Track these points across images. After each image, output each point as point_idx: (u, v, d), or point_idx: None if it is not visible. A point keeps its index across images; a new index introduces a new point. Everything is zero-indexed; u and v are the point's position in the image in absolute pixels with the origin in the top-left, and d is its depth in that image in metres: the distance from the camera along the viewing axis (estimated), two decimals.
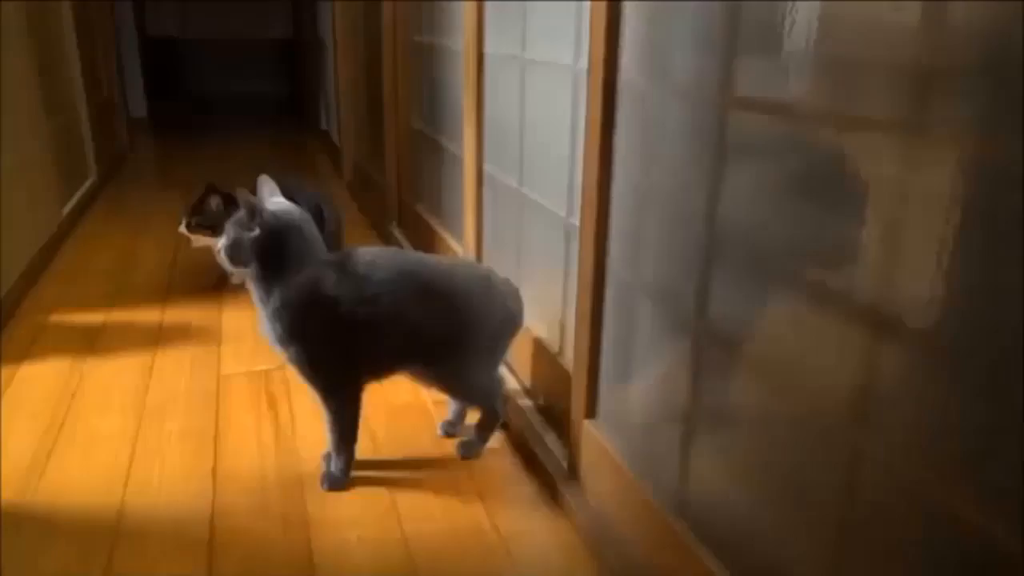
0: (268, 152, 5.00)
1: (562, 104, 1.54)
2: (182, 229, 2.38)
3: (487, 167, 2.02)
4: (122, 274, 2.70)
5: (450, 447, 1.63)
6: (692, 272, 1.08)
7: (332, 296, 1.40)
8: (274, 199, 1.47)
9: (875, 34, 0.76)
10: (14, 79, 2.61)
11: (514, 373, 1.85)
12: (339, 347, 1.44)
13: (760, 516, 1.00)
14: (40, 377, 1.94)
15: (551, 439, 1.59)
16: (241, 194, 1.39)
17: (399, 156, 2.96)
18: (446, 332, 1.49)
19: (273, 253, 1.40)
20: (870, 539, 0.80)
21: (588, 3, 1.28)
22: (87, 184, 3.71)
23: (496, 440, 1.64)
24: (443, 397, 1.86)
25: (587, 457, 1.41)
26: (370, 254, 1.47)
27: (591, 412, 1.41)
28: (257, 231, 1.39)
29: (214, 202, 2.34)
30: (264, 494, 1.49)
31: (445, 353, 1.51)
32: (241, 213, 1.39)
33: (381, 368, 1.52)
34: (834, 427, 0.84)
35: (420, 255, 1.72)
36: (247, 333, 2.18)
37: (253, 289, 1.44)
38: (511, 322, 1.59)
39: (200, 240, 2.39)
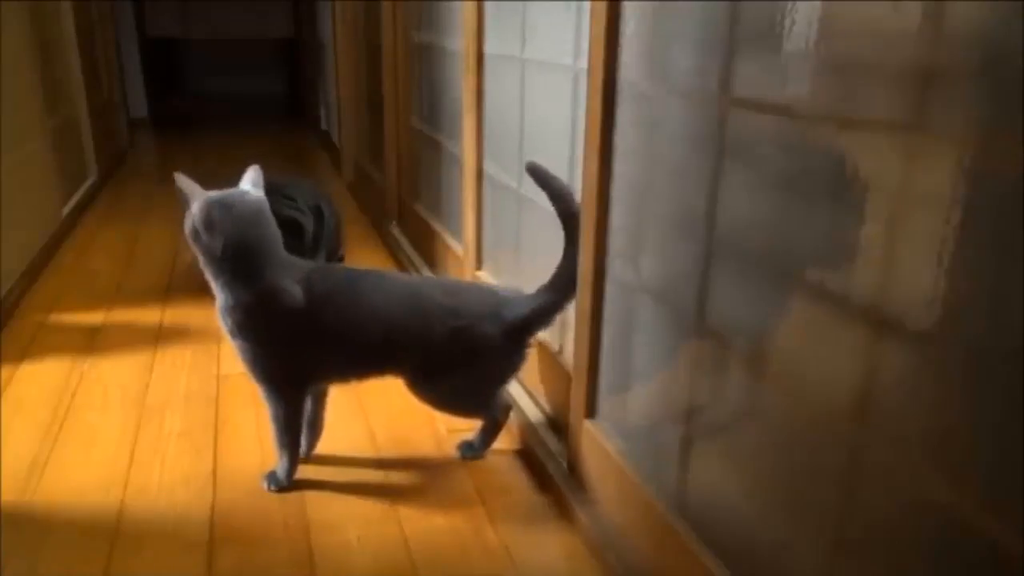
0: (268, 152, 4.99)
1: (562, 104, 1.54)
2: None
3: (487, 166, 2.02)
4: (122, 274, 2.70)
5: (450, 448, 1.63)
6: (692, 271, 1.08)
7: (280, 310, 1.38)
8: (242, 188, 1.42)
9: (875, 34, 0.76)
10: (14, 79, 2.61)
11: None
12: (282, 357, 1.43)
13: (762, 517, 1.00)
14: (40, 377, 1.94)
15: (551, 439, 1.58)
16: (178, 178, 1.33)
17: (399, 156, 2.96)
18: (409, 360, 1.48)
19: (206, 245, 1.35)
20: (872, 540, 0.80)
21: (588, 3, 1.28)
22: (87, 184, 3.71)
23: (496, 440, 1.64)
24: None
25: (587, 457, 1.41)
26: (337, 276, 1.46)
27: (591, 412, 1.41)
28: (188, 220, 1.35)
29: None
30: (264, 494, 1.48)
31: (417, 376, 1.51)
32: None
33: (341, 377, 1.53)
34: (836, 427, 0.84)
35: (418, 285, 1.64)
36: None
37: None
38: (482, 354, 1.50)
39: None
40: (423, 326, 1.46)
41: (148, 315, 2.33)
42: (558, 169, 1.57)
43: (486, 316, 1.49)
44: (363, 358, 1.48)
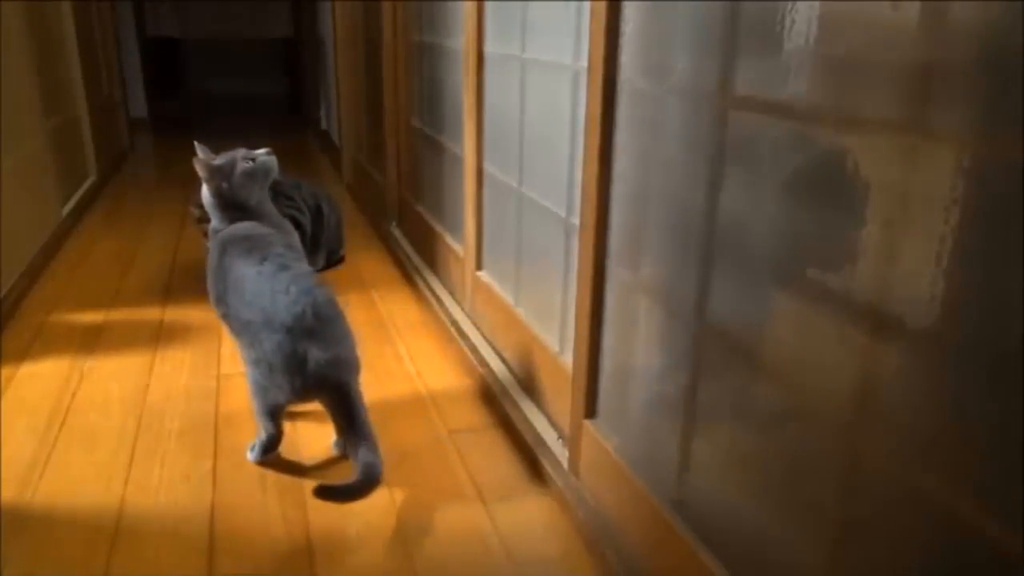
0: None
1: (562, 103, 1.54)
2: None
3: (487, 166, 2.02)
4: (122, 274, 2.70)
5: (450, 447, 1.63)
6: (692, 271, 1.08)
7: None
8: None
9: (875, 33, 0.76)
10: (14, 79, 2.61)
11: (513, 373, 1.85)
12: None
13: (760, 515, 1.00)
14: (40, 377, 1.94)
15: (551, 439, 1.59)
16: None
17: (399, 156, 2.96)
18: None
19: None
20: (870, 538, 0.80)
21: (588, 3, 1.28)
22: (87, 184, 3.71)
23: (496, 439, 1.64)
24: (439, 391, 1.86)
25: (587, 457, 1.41)
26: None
27: (591, 411, 1.41)
28: None
29: None
30: (264, 494, 1.49)
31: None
32: None
33: None
34: (834, 426, 0.84)
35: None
36: None
37: None
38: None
39: None
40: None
41: (148, 315, 2.33)
42: (558, 169, 1.57)
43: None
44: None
